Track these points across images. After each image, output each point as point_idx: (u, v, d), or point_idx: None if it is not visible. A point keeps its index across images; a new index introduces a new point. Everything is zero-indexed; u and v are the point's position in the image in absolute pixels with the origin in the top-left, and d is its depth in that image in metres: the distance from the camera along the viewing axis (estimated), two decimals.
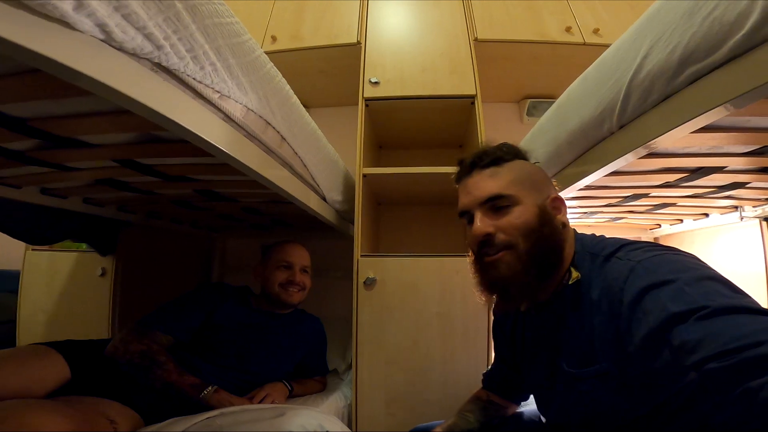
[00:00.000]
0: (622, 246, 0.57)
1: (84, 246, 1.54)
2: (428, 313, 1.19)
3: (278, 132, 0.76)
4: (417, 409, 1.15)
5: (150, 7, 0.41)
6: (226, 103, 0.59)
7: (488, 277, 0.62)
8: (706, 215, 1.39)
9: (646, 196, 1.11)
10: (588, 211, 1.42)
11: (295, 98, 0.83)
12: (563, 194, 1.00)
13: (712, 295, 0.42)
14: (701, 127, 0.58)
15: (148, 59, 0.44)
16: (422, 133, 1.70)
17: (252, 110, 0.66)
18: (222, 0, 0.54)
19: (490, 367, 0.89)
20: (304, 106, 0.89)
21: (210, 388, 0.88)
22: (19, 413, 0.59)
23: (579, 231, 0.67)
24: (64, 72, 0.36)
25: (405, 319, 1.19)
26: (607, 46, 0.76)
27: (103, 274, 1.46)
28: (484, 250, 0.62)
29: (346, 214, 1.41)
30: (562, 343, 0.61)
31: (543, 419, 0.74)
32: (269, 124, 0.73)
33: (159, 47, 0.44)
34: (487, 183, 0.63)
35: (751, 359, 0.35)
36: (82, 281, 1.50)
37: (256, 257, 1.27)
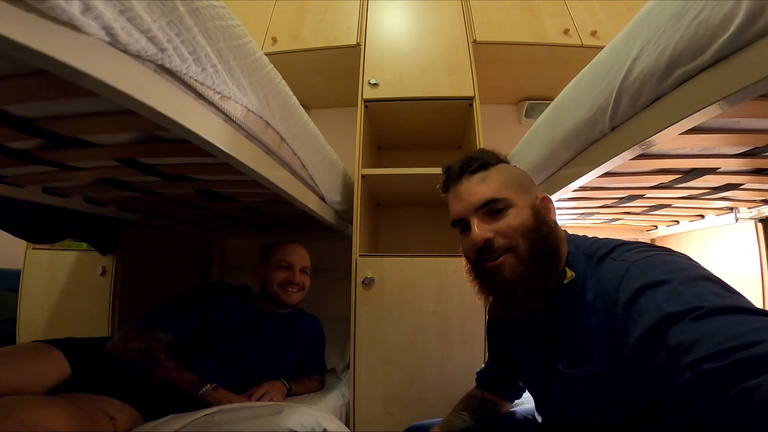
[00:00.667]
0: (616, 247, 0.56)
1: (84, 245, 1.54)
2: (426, 312, 1.20)
3: (278, 132, 0.77)
4: (414, 408, 1.15)
5: (154, 11, 0.42)
6: (227, 104, 0.60)
7: (493, 283, 0.61)
8: (702, 217, 1.40)
9: (641, 197, 1.12)
10: (585, 213, 1.43)
11: (294, 99, 0.84)
12: (559, 195, 1.01)
13: (707, 295, 0.42)
14: (692, 129, 0.58)
15: (151, 61, 0.45)
16: (421, 135, 1.71)
17: (252, 111, 0.67)
18: (223, 3, 0.55)
19: (483, 366, 0.90)
20: (304, 107, 0.90)
21: (209, 385, 0.89)
22: (20, 409, 0.60)
23: (570, 232, 0.67)
24: (71, 73, 0.37)
25: (403, 318, 1.19)
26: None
27: (103, 273, 1.46)
28: (484, 257, 0.61)
29: (344, 215, 1.42)
30: (557, 344, 0.61)
31: (539, 418, 0.74)
32: (269, 124, 0.73)
33: (162, 49, 0.45)
34: (479, 188, 0.63)
35: (746, 359, 0.35)
36: (83, 280, 1.51)
37: (255, 257, 1.28)
